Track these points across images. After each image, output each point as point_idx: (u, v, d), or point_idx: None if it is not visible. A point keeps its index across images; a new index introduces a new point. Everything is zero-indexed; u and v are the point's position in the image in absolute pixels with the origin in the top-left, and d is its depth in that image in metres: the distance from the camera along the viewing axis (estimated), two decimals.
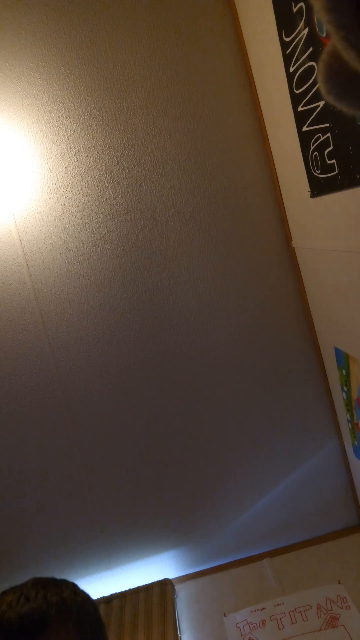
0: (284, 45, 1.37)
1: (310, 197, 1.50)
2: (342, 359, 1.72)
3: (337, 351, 1.75)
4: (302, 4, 1.21)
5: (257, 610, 1.83)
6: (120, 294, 1.86)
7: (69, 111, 1.71)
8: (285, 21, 1.33)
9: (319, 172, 1.38)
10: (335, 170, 1.27)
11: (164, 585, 2.00)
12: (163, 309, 1.89)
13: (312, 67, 1.25)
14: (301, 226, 1.71)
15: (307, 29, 1.21)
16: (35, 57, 1.67)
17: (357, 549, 2.03)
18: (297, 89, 1.37)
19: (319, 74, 1.24)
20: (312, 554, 2.07)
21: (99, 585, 2.11)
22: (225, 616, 1.84)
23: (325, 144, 1.28)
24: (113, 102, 1.73)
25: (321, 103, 1.24)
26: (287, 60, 1.38)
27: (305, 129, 1.39)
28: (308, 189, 1.50)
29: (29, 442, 1.93)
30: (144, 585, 2.02)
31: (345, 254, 1.40)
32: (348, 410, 1.83)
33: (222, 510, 2.10)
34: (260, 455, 2.06)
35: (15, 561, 2.04)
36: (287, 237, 1.87)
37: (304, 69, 1.29)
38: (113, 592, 2.03)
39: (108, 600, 1.99)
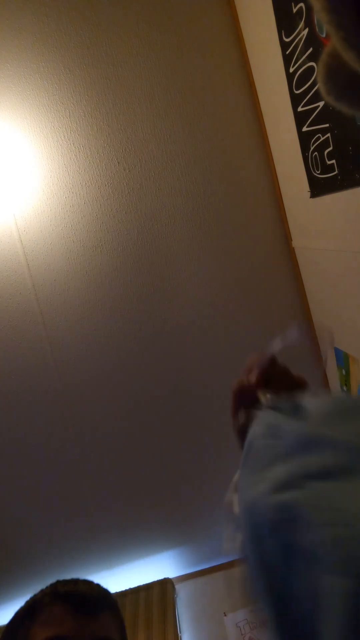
0: (284, 46, 1.38)
1: (310, 197, 1.50)
2: (342, 359, 1.72)
3: (337, 351, 1.75)
4: (302, 4, 1.21)
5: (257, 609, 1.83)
6: (120, 293, 1.86)
7: (69, 112, 1.72)
8: (285, 22, 1.33)
9: (318, 172, 1.38)
10: (335, 171, 1.27)
11: (165, 585, 2.00)
12: (163, 308, 1.89)
13: (312, 67, 1.25)
14: (301, 226, 1.71)
15: (307, 30, 1.22)
16: (36, 58, 1.68)
17: None
18: (297, 90, 1.37)
19: (318, 74, 1.23)
20: None
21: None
22: (225, 615, 1.84)
23: (325, 144, 1.28)
24: (113, 103, 1.73)
25: (321, 103, 1.25)
26: (287, 60, 1.38)
27: (305, 129, 1.39)
28: (308, 189, 1.50)
29: (29, 441, 1.93)
30: (144, 585, 2.02)
31: (345, 253, 1.40)
32: None
33: (223, 510, 2.10)
34: None
35: (13, 561, 2.04)
36: (287, 237, 1.87)
37: (304, 69, 1.29)
38: (113, 591, 2.03)
39: None
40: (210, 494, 2.08)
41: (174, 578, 2.10)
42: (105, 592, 0.85)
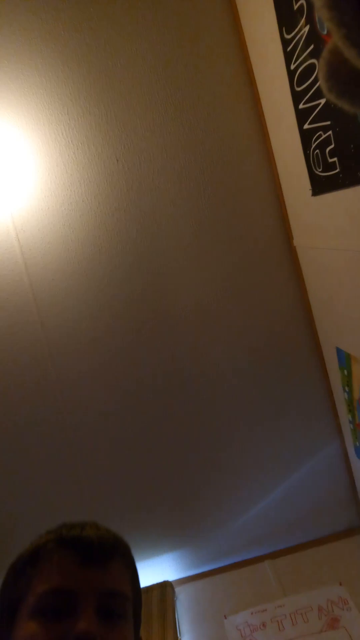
0: (285, 43, 1.37)
1: (312, 195, 1.49)
2: (344, 359, 1.71)
3: (339, 351, 1.74)
4: (303, 1, 1.20)
5: (258, 612, 1.82)
6: (119, 293, 1.85)
7: (67, 109, 1.70)
8: (286, 18, 1.32)
9: (320, 170, 1.37)
10: (336, 169, 1.26)
11: (164, 587, 1.99)
12: (163, 308, 1.88)
13: (313, 64, 1.23)
14: (302, 225, 1.70)
15: (308, 27, 1.20)
16: (34, 55, 1.66)
17: (358, 551, 2.02)
18: (298, 87, 1.36)
19: (320, 71, 1.22)
20: (313, 555, 2.06)
21: None
22: (225, 618, 1.83)
23: (327, 141, 1.27)
24: (112, 100, 1.71)
25: (322, 101, 1.23)
26: (288, 57, 1.37)
27: (306, 126, 1.38)
28: (309, 187, 1.49)
29: (25, 441, 1.92)
30: (144, 588, 2.01)
31: (347, 252, 1.39)
32: (349, 410, 1.82)
33: (223, 512, 2.09)
34: (261, 456, 2.05)
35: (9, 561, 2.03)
36: (288, 236, 1.86)
37: (305, 66, 1.28)
38: None
39: None
40: (211, 495, 2.07)
41: (173, 581, 2.09)
42: (115, 537, 0.79)
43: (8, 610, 0.68)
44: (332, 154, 1.26)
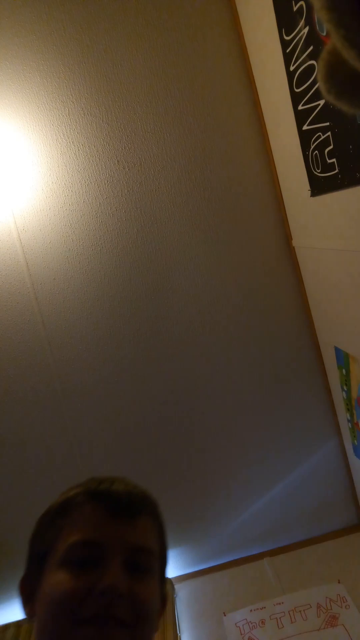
0: (284, 44, 1.37)
1: (311, 196, 1.50)
2: (342, 358, 1.72)
3: (337, 350, 1.75)
4: (302, 2, 1.21)
5: (257, 609, 1.83)
6: (120, 292, 1.86)
7: (68, 110, 1.71)
8: (285, 20, 1.33)
9: (319, 171, 1.37)
10: (335, 169, 1.27)
11: None
12: (162, 308, 1.89)
13: (312, 65, 1.24)
14: (301, 225, 1.71)
15: (307, 28, 1.21)
16: (35, 56, 1.67)
17: (357, 549, 2.03)
18: (297, 88, 1.37)
19: (318, 72, 1.23)
20: (311, 553, 2.06)
21: None
22: (224, 615, 1.84)
23: (326, 142, 1.28)
24: (113, 101, 1.72)
25: (321, 102, 1.24)
26: (288, 59, 1.38)
27: (305, 127, 1.39)
28: (308, 187, 1.50)
29: (28, 442, 1.93)
30: None
31: (346, 253, 1.39)
32: (348, 409, 1.83)
33: (222, 509, 2.10)
34: (260, 454, 2.06)
35: (9, 558, 2.04)
36: (287, 236, 1.87)
37: (304, 67, 1.29)
38: None
39: None
40: (210, 493, 2.08)
41: (173, 578, 2.10)
42: (143, 493, 0.79)
43: (37, 560, 0.70)
44: (331, 155, 1.27)
